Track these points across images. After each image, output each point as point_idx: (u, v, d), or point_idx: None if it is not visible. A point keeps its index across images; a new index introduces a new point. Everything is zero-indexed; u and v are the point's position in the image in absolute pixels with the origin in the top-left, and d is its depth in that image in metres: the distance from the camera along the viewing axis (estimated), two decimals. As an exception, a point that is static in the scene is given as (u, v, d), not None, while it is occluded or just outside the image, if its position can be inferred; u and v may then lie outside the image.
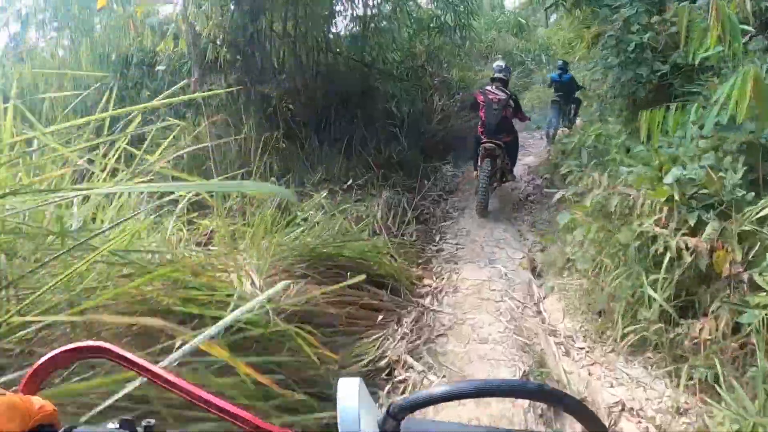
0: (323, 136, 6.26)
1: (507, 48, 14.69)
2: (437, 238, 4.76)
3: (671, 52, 4.31)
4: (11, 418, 0.44)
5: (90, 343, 0.57)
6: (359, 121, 6.45)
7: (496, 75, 5.44)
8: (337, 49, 6.94)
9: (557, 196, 4.22)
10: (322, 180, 5.65)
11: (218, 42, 5.86)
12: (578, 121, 7.75)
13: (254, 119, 5.75)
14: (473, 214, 5.42)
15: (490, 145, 4.99)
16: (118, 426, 0.50)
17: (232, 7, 6.07)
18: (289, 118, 6.11)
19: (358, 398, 0.47)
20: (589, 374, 2.68)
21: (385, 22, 7.16)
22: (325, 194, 4.81)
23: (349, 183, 5.63)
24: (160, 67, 6.39)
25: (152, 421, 0.52)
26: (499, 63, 5.83)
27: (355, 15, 6.91)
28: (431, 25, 7.48)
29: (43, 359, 0.56)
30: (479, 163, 5.11)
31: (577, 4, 6.63)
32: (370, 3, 7.00)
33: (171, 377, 0.54)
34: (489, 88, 5.33)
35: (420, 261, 4.19)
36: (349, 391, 0.47)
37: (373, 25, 7.10)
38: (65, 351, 0.57)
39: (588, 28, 7.69)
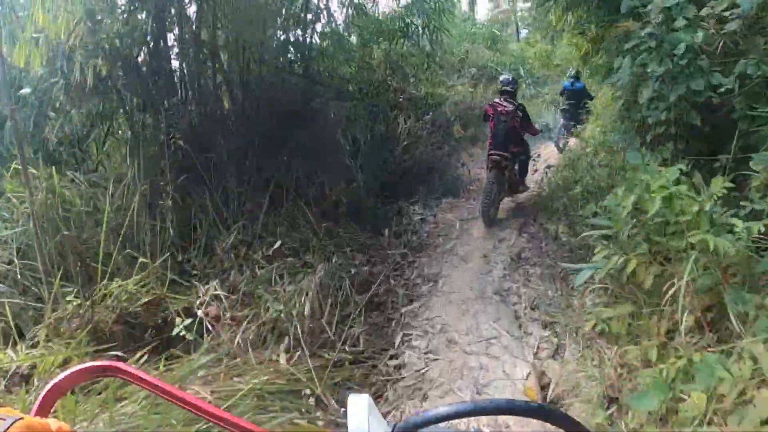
0: (246, 176, 4.64)
1: (481, 61, 13.39)
2: (397, 340, 3.17)
3: (730, 59, 2.91)
4: None
5: (103, 362, 0.62)
6: (297, 155, 4.86)
7: (504, 87, 5.55)
8: (275, 59, 5.33)
9: (581, 279, 2.69)
10: (237, 243, 4.03)
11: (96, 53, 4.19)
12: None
13: (143, 159, 4.08)
14: (452, 285, 3.90)
15: (496, 156, 5.09)
16: None
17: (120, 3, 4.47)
18: (197, 154, 4.47)
19: (368, 414, 0.50)
20: None
21: (334, 25, 5.62)
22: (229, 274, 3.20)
23: (276, 246, 4.03)
24: (25, 91, 4.69)
25: None
26: (506, 76, 5.89)
27: (293, 15, 5.28)
28: (395, 28, 5.82)
29: (56, 379, 0.59)
30: (486, 175, 5.30)
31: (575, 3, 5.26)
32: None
33: (183, 394, 0.59)
34: (498, 100, 5.46)
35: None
36: (358, 407, 0.51)
37: (318, 29, 5.57)
38: (79, 371, 0.61)
39: (583, 34, 6.35)
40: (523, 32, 18.59)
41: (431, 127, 7.67)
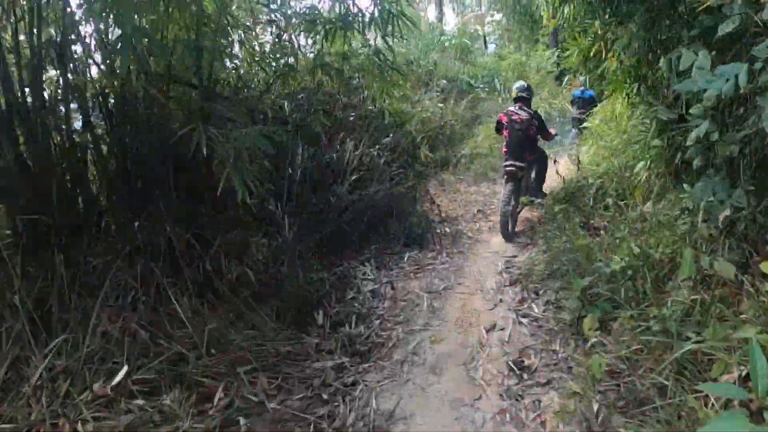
0: (91, 249, 2.90)
1: (451, 73, 11.96)
2: None
3: None
4: None
5: None
6: (175, 211, 3.15)
7: (519, 94, 5.35)
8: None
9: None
10: (56, 373, 2.30)
11: None
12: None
13: None
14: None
15: (511, 167, 4.99)
16: None
17: None
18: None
19: None
20: None
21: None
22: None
23: (119, 377, 2.32)
24: None
25: None
26: (521, 83, 5.62)
27: None
28: (332, 17, 4.04)
29: None
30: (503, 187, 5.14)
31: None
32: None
33: None
34: (512, 108, 5.26)
35: None
36: None
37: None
38: None
39: (583, 33, 4.90)
40: (491, 46, 17.66)
41: (391, 154, 6.08)
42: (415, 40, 12.52)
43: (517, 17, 16.78)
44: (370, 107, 6.24)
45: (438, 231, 5.17)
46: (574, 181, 5.36)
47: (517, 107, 5.21)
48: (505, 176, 5.03)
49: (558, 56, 11.82)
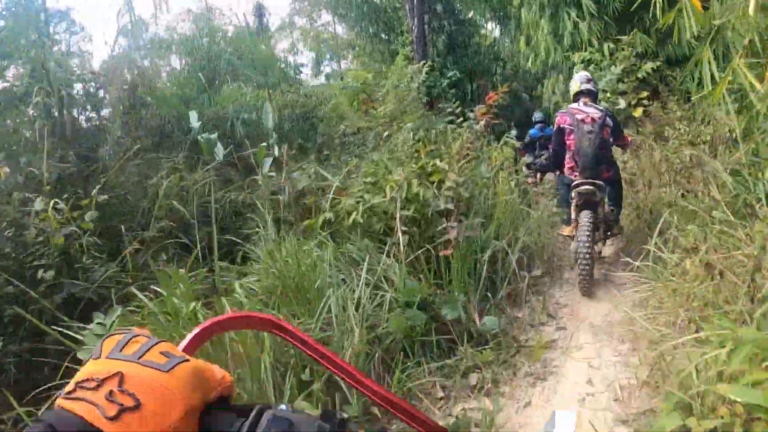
0: None
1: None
2: None
3: None
4: (197, 387, 0.41)
5: (262, 314, 0.59)
6: None
7: (584, 87, 4.06)
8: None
9: None
10: None
11: None
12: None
13: None
14: None
15: (588, 187, 3.67)
16: (319, 416, 0.45)
17: None
18: None
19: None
20: None
21: None
22: None
23: None
24: None
25: (346, 414, 0.47)
26: (583, 73, 4.42)
27: None
28: None
29: (209, 321, 0.56)
30: (573, 215, 3.84)
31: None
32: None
33: (341, 362, 0.56)
34: (575, 106, 3.99)
35: None
36: (566, 424, 0.49)
37: None
38: (235, 317, 0.59)
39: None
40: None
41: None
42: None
43: (365, 25, 14.54)
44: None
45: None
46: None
47: (581, 104, 4.01)
48: (579, 200, 3.74)
49: (427, 73, 10.03)
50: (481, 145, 6.01)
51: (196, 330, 0.53)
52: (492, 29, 15.37)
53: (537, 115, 7.86)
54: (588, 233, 3.53)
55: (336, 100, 8.26)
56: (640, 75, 6.53)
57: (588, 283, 3.56)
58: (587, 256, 3.47)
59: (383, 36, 14.35)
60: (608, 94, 6.63)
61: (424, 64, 11.08)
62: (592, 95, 4.14)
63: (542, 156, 7.21)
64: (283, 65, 14.90)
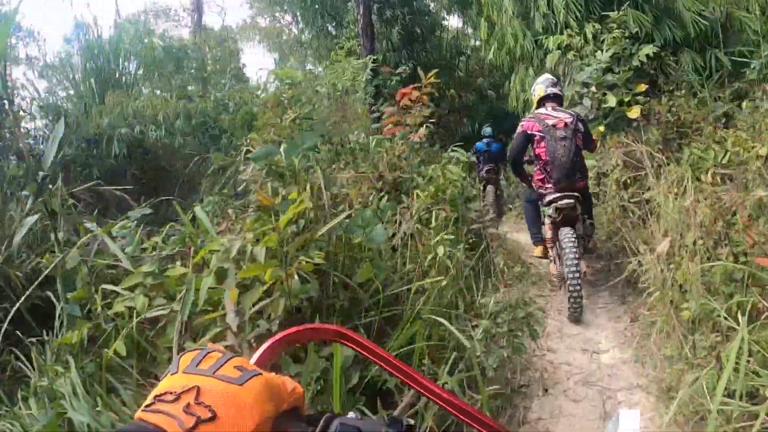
0: None
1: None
2: None
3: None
4: (269, 399, 0.43)
5: (330, 326, 0.62)
6: None
7: (550, 91, 3.74)
8: None
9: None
10: None
11: None
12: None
13: None
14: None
15: (569, 201, 3.32)
16: (387, 423, 0.46)
17: None
18: None
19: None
20: None
21: None
22: None
23: None
24: None
25: (412, 421, 0.48)
26: (547, 76, 4.00)
27: None
28: None
29: (280, 334, 0.58)
30: (551, 236, 3.50)
31: None
32: None
33: (409, 370, 0.57)
34: (543, 111, 3.65)
35: None
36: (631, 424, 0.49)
37: None
38: (305, 329, 0.60)
39: None
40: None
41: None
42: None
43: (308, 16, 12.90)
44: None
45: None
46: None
47: (549, 108, 3.66)
48: (558, 218, 3.36)
49: (372, 70, 8.92)
50: (418, 162, 4.31)
51: (267, 344, 0.55)
52: (454, 18, 13.72)
53: (486, 130, 7.57)
54: (576, 252, 3.18)
55: (246, 108, 6.44)
56: (634, 63, 4.93)
57: (580, 308, 3.19)
58: (578, 277, 3.09)
59: (330, 29, 12.55)
60: (592, 89, 5.02)
61: (372, 59, 9.36)
62: (559, 100, 3.80)
63: (484, 170, 7.08)
64: (217, 66, 13.04)
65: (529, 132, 3.59)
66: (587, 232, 3.71)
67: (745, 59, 5.16)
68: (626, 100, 4.86)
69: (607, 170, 4.88)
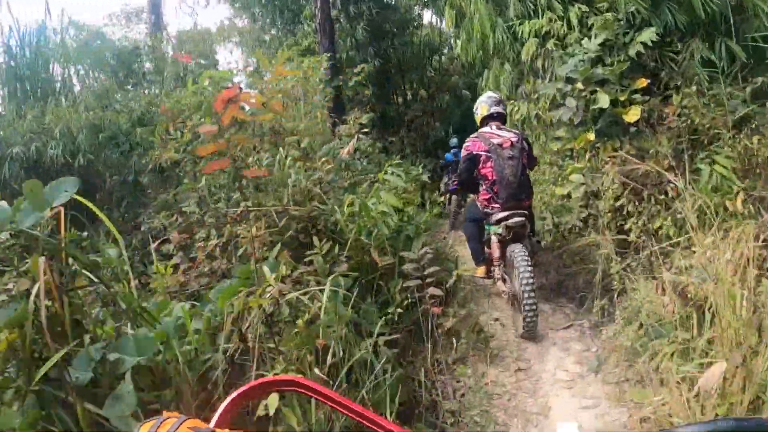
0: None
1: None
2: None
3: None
4: None
5: (284, 376, 0.68)
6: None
7: (494, 110, 3.70)
8: None
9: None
10: None
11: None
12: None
13: None
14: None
15: (519, 219, 3.31)
16: None
17: None
18: None
19: None
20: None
21: None
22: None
23: None
24: None
25: None
26: (491, 93, 4.02)
27: None
28: None
29: (236, 392, 0.58)
30: (499, 254, 3.44)
31: None
32: None
33: (367, 412, 0.57)
34: (488, 130, 3.63)
35: None
36: None
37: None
38: (259, 384, 0.60)
39: None
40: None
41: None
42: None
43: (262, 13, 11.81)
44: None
45: None
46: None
47: (494, 127, 3.62)
48: (508, 235, 3.31)
49: (332, 64, 7.90)
50: (348, 185, 3.18)
51: (225, 403, 0.55)
52: (429, 14, 12.63)
53: (453, 141, 7.65)
54: (530, 268, 3.07)
55: (162, 118, 5.26)
56: (631, 52, 3.87)
57: (535, 323, 3.07)
58: (533, 293, 3.00)
59: (288, 26, 11.39)
60: (578, 85, 3.95)
61: (327, 57, 8.19)
62: (502, 118, 3.75)
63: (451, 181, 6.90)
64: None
65: (475, 152, 3.53)
66: (534, 249, 3.71)
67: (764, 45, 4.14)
68: (621, 99, 3.80)
69: (599, 190, 3.82)
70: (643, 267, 2.88)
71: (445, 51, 11.80)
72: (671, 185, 3.07)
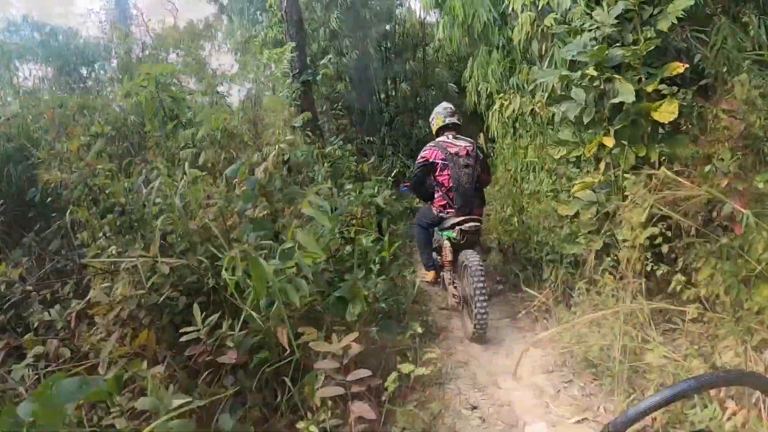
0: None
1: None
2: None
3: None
4: None
5: None
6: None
7: (449, 121, 3.83)
8: None
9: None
10: None
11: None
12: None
13: None
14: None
15: (474, 224, 3.52)
16: None
17: None
18: None
19: None
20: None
21: None
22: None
23: None
24: None
25: None
26: (446, 104, 4.05)
27: None
28: None
29: None
30: (451, 259, 3.58)
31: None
32: None
33: None
34: (444, 139, 3.76)
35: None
36: None
37: None
38: None
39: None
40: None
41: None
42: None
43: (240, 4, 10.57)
44: None
45: None
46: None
47: (450, 137, 3.73)
48: (461, 239, 3.45)
49: (301, 56, 6.93)
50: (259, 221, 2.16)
51: None
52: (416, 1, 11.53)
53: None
54: (483, 271, 3.22)
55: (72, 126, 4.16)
56: (661, 26, 2.85)
57: (485, 327, 3.19)
58: (485, 297, 3.13)
59: (256, 16, 10.28)
60: (590, 71, 2.93)
61: (291, 47, 7.09)
62: (458, 128, 3.87)
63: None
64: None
65: (431, 160, 3.66)
66: (482, 256, 3.75)
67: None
68: (649, 90, 2.79)
69: (617, 211, 2.82)
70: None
71: (430, 43, 10.76)
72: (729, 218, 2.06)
